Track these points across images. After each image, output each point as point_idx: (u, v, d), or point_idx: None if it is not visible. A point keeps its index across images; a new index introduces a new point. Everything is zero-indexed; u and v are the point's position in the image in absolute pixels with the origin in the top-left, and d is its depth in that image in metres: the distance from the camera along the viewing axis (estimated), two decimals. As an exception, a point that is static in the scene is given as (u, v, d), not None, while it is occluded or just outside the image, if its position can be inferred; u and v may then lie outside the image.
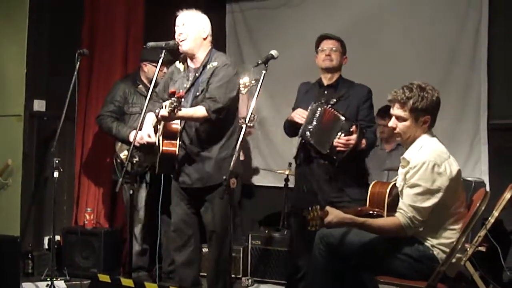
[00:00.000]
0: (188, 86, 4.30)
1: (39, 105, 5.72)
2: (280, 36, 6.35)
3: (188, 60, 4.38)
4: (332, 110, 4.33)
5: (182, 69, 4.42)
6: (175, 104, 3.75)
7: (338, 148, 4.25)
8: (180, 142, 4.26)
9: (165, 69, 5.22)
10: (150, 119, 4.40)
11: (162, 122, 4.28)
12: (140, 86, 5.34)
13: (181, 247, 4.46)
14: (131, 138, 5.06)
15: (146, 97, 5.14)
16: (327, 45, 4.57)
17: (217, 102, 4.11)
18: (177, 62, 4.48)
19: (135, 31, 6.05)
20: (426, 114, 3.44)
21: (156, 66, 5.17)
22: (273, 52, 3.87)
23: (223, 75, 4.20)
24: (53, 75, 5.79)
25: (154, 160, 5.11)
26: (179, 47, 4.27)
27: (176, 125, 4.23)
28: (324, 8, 6.24)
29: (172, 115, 3.86)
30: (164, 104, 3.95)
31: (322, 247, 3.54)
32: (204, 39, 4.32)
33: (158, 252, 5.43)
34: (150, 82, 5.21)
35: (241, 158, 5.63)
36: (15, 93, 5.64)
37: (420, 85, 3.44)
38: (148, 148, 5.07)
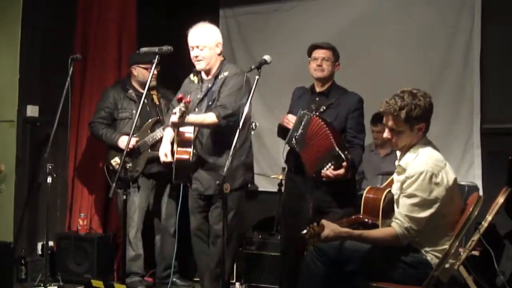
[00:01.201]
0: (201, 96, 4.39)
1: (32, 110, 5.71)
2: (273, 41, 6.36)
3: (202, 72, 4.47)
4: (319, 120, 4.31)
5: (196, 81, 4.51)
6: (183, 109, 3.86)
7: (323, 178, 4.22)
8: (194, 151, 4.35)
9: (155, 71, 5.24)
10: (168, 135, 4.52)
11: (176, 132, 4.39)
12: (130, 91, 5.34)
13: (201, 252, 4.58)
14: (119, 144, 5.09)
15: (136, 102, 5.20)
16: (318, 54, 4.57)
17: (227, 109, 4.19)
18: (191, 74, 4.58)
19: (128, 36, 6.04)
20: (420, 122, 3.40)
21: (145, 68, 5.22)
22: (266, 57, 3.87)
23: (233, 84, 4.29)
24: (46, 80, 5.78)
25: (146, 162, 5.16)
26: (196, 65, 4.38)
27: (189, 133, 4.34)
28: (316, 14, 6.25)
29: (181, 121, 3.96)
30: (173, 111, 4.02)
31: (315, 254, 3.52)
32: (218, 54, 4.43)
33: (153, 257, 5.44)
34: (141, 86, 5.25)
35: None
36: (8, 98, 5.62)
37: (411, 92, 3.39)
38: (138, 153, 5.10)
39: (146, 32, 6.12)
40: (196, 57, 4.33)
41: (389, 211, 3.56)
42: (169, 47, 4.26)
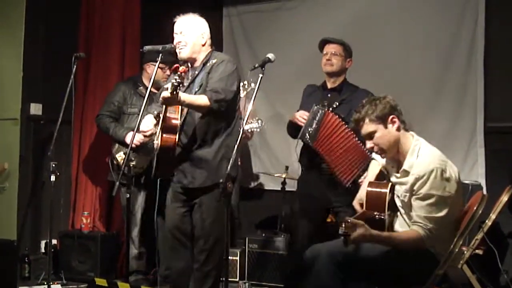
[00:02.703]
0: (187, 84, 4.24)
1: (35, 108, 5.73)
2: (277, 39, 6.35)
3: (188, 63, 4.35)
4: (336, 117, 4.33)
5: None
6: (178, 80, 3.62)
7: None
8: (179, 141, 4.16)
9: (168, 71, 5.24)
10: (149, 119, 4.33)
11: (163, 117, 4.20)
12: (141, 87, 5.34)
13: (176, 256, 4.40)
14: (127, 140, 5.08)
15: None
16: (328, 49, 4.60)
17: (219, 93, 4.04)
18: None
19: (131, 33, 6.05)
20: (388, 115, 3.43)
21: (160, 68, 5.20)
22: (270, 56, 3.85)
23: (223, 70, 4.17)
24: (50, 78, 5.80)
25: (150, 160, 5.14)
26: (178, 54, 4.25)
27: (175, 120, 4.13)
28: (320, 11, 6.24)
29: (174, 96, 3.71)
30: (165, 86, 3.80)
31: (332, 267, 3.39)
32: (203, 45, 4.30)
33: (155, 255, 5.43)
34: (153, 84, 5.24)
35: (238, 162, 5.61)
36: (12, 96, 5.63)
37: (369, 99, 3.51)
38: (145, 150, 5.08)
39: (149, 30, 6.12)
40: (179, 43, 4.21)
41: (393, 206, 3.55)
42: (173, 45, 4.25)
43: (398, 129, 3.45)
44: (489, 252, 3.96)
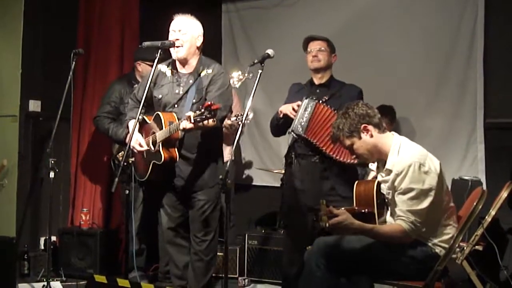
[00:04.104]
0: (182, 92, 4.24)
1: (34, 105, 5.71)
2: (276, 35, 6.35)
3: (178, 65, 4.33)
4: (327, 107, 4.35)
5: (169, 74, 4.34)
6: (207, 115, 3.66)
7: None
8: (180, 152, 4.21)
9: None
10: (136, 127, 4.21)
11: (153, 131, 4.22)
12: (136, 85, 5.32)
13: (178, 247, 4.51)
14: (127, 140, 5.06)
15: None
16: (313, 46, 4.61)
17: (222, 111, 4.09)
18: (162, 65, 4.39)
19: (130, 30, 6.04)
20: (359, 125, 3.52)
21: (149, 65, 5.19)
22: (270, 51, 3.86)
23: (222, 83, 4.21)
24: (49, 75, 5.78)
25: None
26: (174, 53, 4.24)
27: (176, 133, 4.11)
28: (319, 8, 6.24)
29: (197, 126, 3.76)
30: (187, 115, 3.76)
31: (322, 260, 3.47)
32: (198, 47, 4.31)
33: (155, 252, 5.44)
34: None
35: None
36: (11, 93, 5.62)
37: (341, 113, 3.60)
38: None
39: (148, 26, 6.11)
40: (177, 40, 4.18)
41: (381, 202, 3.57)
42: (172, 42, 4.23)
43: (371, 136, 3.53)
44: (489, 248, 3.96)
